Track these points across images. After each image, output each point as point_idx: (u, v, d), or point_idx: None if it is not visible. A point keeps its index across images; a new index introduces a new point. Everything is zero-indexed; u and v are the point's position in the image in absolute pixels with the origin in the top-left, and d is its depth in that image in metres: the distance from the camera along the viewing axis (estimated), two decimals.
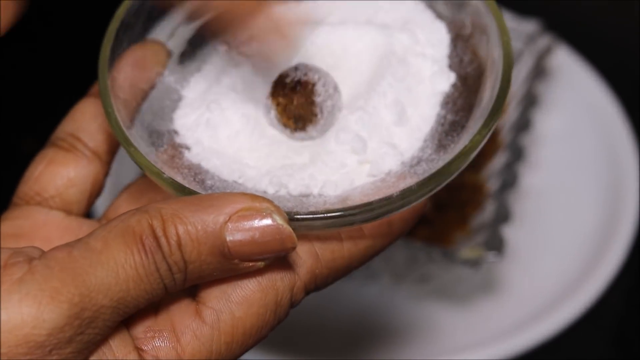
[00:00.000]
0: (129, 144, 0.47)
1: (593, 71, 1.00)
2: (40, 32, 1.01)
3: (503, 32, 0.49)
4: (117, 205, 0.52)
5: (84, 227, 0.51)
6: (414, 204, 0.46)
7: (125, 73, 0.51)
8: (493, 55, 0.50)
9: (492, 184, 0.88)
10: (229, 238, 0.43)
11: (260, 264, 0.44)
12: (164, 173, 0.46)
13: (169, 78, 0.53)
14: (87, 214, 0.53)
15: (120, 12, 0.51)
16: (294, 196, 0.48)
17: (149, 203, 0.44)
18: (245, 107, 0.52)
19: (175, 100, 0.53)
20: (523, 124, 0.90)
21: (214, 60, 0.55)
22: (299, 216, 0.44)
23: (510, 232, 0.84)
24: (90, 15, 0.57)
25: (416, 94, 0.51)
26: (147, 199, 0.52)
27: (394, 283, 0.88)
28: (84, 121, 0.52)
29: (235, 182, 0.49)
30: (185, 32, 0.54)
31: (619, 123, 0.96)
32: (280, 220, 0.43)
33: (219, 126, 0.51)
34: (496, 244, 0.81)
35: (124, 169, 0.87)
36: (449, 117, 0.51)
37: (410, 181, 0.46)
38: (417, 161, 0.49)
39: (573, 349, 0.85)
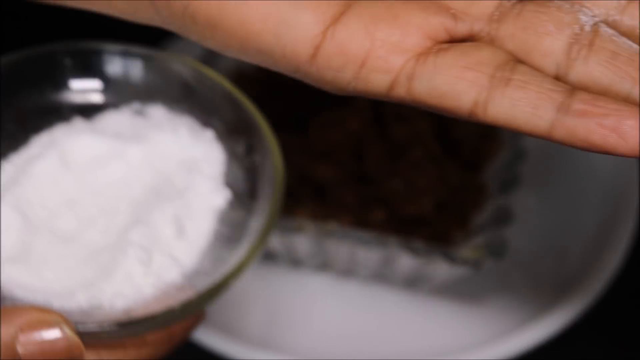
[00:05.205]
0: None
1: None
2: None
3: (274, 148, 0.54)
4: None
5: None
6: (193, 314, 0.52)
7: None
8: (265, 172, 0.54)
9: (492, 184, 0.87)
10: (20, 350, 0.45)
11: None
12: None
13: None
14: None
15: None
16: (82, 309, 0.51)
17: None
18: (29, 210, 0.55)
19: None
20: None
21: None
22: (86, 328, 0.48)
23: (511, 233, 0.84)
24: None
25: (194, 209, 0.55)
26: None
27: (393, 283, 0.87)
28: None
29: (21, 297, 0.51)
30: None
31: None
32: (68, 331, 0.46)
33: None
34: (496, 245, 0.81)
35: None
36: (224, 231, 0.55)
37: (189, 293, 0.51)
38: (196, 274, 0.54)
39: (574, 349, 0.84)
